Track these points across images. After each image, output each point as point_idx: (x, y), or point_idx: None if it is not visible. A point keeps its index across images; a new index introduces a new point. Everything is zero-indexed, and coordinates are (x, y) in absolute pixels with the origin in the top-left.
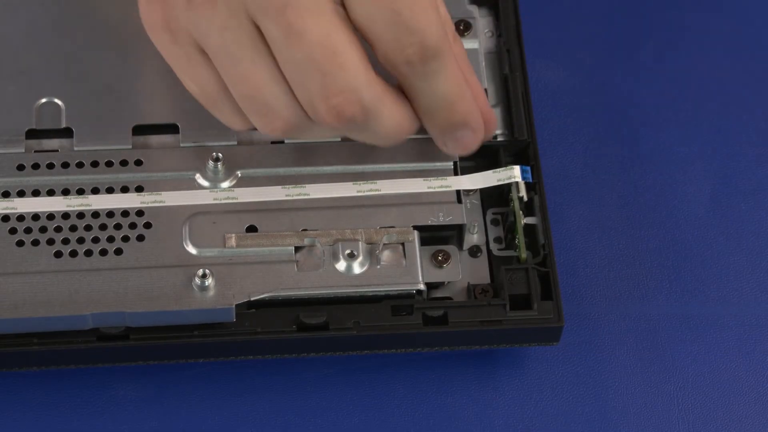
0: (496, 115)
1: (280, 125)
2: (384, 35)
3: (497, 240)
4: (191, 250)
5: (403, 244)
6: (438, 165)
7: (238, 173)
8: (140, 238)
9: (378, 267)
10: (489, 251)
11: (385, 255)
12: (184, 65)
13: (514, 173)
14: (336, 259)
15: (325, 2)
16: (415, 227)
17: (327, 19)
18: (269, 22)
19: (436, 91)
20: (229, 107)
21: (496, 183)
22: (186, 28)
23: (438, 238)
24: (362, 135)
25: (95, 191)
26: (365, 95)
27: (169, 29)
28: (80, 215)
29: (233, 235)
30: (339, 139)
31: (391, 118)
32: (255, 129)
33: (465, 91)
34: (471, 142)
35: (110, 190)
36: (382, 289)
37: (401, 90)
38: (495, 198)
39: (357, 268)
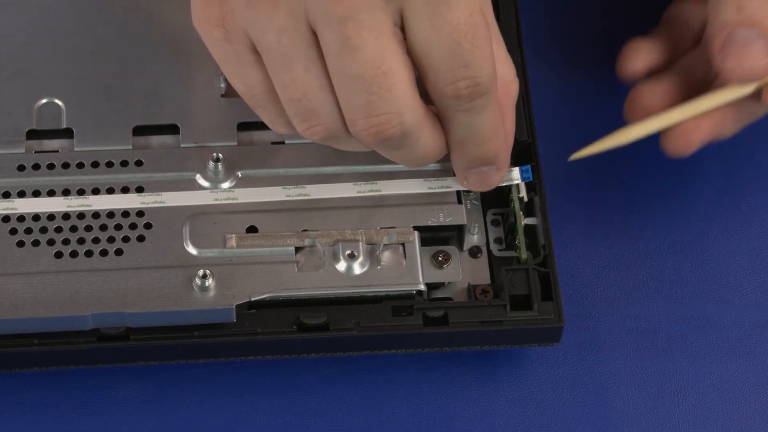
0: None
1: (321, 131)
2: (439, 64)
3: (497, 240)
4: (192, 250)
5: (403, 244)
6: (438, 166)
7: (239, 174)
8: (141, 238)
9: (378, 267)
10: (489, 252)
11: (386, 255)
12: (233, 64)
13: (514, 176)
14: (336, 259)
15: (385, 22)
16: (416, 228)
17: (384, 40)
18: (328, 31)
19: (474, 126)
20: (273, 109)
21: None
22: (242, 26)
23: (438, 238)
24: (392, 154)
25: (96, 192)
26: (407, 119)
27: (224, 26)
28: (81, 216)
29: (233, 235)
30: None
31: (426, 144)
32: (297, 132)
33: (500, 130)
34: (492, 180)
35: (111, 191)
36: (382, 290)
37: (437, 115)
38: (495, 198)
39: (357, 269)
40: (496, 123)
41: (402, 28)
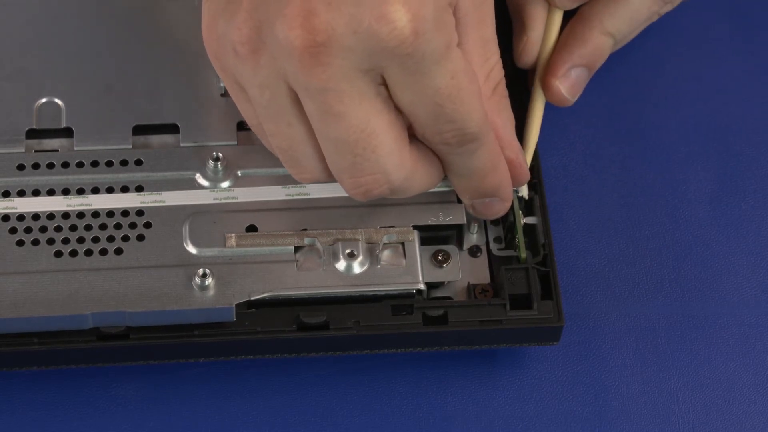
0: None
1: (308, 177)
2: (424, 120)
3: (497, 240)
4: (191, 249)
5: (403, 243)
6: None
7: (238, 173)
8: (140, 237)
9: (378, 267)
10: (489, 251)
11: (385, 255)
12: (230, 90)
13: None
14: (336, 258)
15: (366, 87)
16: (415, 227)
17: (367, 104)
18: (308, 100)
19: (469, 165)
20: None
21: None
22: (232, 71)
23: (438, 237)
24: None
25: (95, 191)
26: (394, 177)
27: (219, 62)
28: (80, 215)
29: (233, 234)
30: None
31: (420, 184)
32: None
33: (499, 164)
34: (499, 210)
35: (110, 190)
36: (382, 289)
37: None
38: None
39: (357, 268)
40: (492, 160)
41: (385, 84)
